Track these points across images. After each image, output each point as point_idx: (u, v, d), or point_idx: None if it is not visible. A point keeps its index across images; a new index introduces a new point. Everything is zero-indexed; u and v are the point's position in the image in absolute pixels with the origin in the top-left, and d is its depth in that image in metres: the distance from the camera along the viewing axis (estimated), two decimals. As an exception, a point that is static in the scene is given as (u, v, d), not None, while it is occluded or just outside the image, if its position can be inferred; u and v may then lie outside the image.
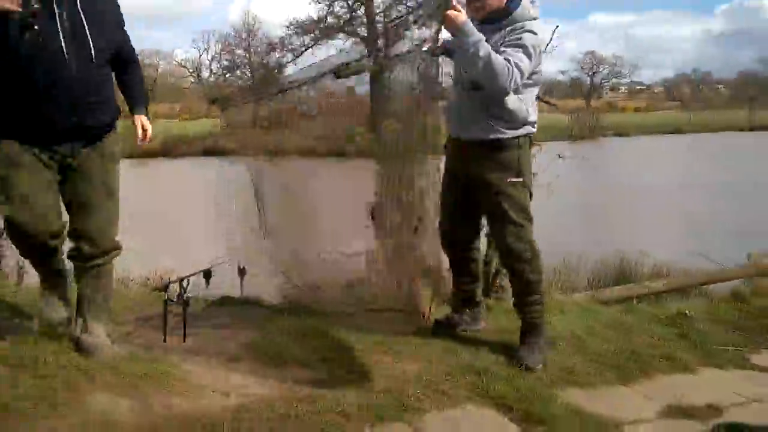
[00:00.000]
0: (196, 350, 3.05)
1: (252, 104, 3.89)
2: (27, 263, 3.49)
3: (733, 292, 4.20)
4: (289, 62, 33.59)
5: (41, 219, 2.63)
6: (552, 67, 62.27)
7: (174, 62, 55.51)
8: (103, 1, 2.72)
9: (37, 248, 2.72)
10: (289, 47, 33.31)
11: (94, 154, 2.75)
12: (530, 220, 3.08)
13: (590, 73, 64.35)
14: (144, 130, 2.97)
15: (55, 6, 2.51)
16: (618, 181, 16.53)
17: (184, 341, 3.14)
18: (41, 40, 2.46)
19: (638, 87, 77.21)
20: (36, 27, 2.42)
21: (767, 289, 4.08)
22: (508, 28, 2.90)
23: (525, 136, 3.03)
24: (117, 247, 2.92)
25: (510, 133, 2.98)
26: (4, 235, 3.38)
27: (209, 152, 30.33)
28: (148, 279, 5.71)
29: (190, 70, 55.20)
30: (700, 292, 4.42)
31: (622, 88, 74.73)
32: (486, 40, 2.78)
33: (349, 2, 32.87)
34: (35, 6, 2.39)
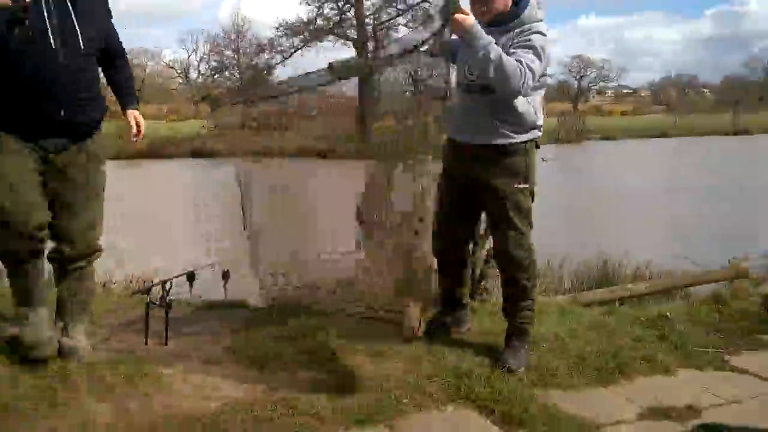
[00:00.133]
0: (177, 354, 3.04)
1: (241, 105, 3.85)
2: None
3: (713, 294, 4.24)
4: (278, 63, 33.66)
5: (28, 209, 2.57)
6: (540, 71, 62.15)
7: (162, 63, 55.22)
8: None
9: (21, 243, 2.61)
10: (278, 49, 33.32)
11: (80, 154, 2.72)
12: (531, 226, 3.07)
13: (578, 77, 64.79)
14: (138, 126, 2.93)
15: (43, 1, 2.49)
16: (603, 184, 16.67)
17: (166, 344, 3.14)
18: (31, 34, 2.44)
19: (625, 91, 77.84)
20: (27, 21, 2.39)
21: (747, 291, 4.13)
22: (516, 30, 2.87)
23: (532, 140, 3.01)
24: (99, 250, 2.90)
25: (518, 138, 2.95)
26: None
27: (197, 154, 30.25)
28: (131, 281, 5.68)
29: (179, 71, 55.01)
30: (681, 295, 4.46)
31: (609, 92, 75.28)
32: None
33: (339, 4, 32.94)
34: (26, 0, 2.37)
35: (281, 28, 32.56)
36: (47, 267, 2.86)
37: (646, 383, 3.05)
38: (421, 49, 3.01)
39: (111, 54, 2.88)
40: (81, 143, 2.72)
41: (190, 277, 3.58)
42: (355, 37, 31.87)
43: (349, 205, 3.61)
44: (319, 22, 32.73)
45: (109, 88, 3.05)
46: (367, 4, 32.24)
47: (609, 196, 14.18)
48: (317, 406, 2.50)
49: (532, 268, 3.10)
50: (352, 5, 32.16)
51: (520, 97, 2.88)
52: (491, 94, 2.86)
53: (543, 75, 2.91)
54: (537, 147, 3.06)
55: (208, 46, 46.06)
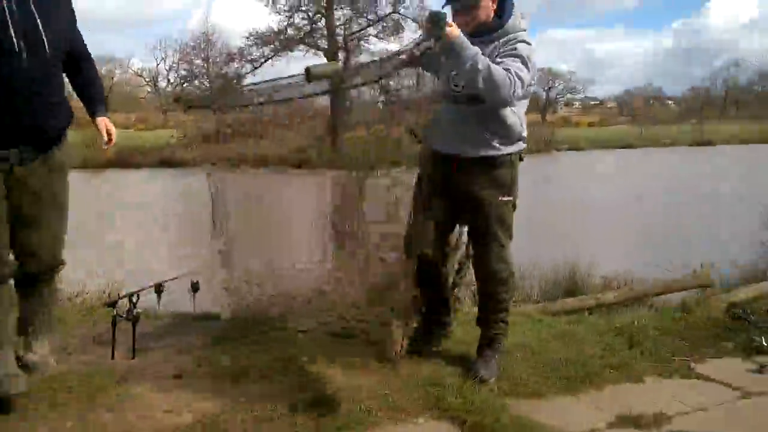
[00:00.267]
0: (145, 367, 2.99)
1: (212, 112, 3.74)
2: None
3: (680, 303, 4.32)
4: (248, 73, 33.37)
5: None
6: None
7: (130, 71, 54.58)
8: None
9: None
10: (248, 58, 33.08)
11: (45, 164, 2.62)
12: (511, 238, 3.07)
13: (546, 88, 65.72)
14: (109, 134, 2.81)
15: (4, 1, 2.39)
16: (571, 194, 16.90)
17: (133, 358, 3.08)
18: None
19: (592, 102, 79.21)
20: None
21: (712, 299, 4.22)
22: (501, 40, 2.85)
23: (517, 152, 3.00)
24: (63, 263, 2.83)
25: (506, 150, 2.94)
26: None
27: (166, 163, 29.96)
28: (100, 294, 5.56)
29: (147, 80, 54.41)
30: (648, 303, 4.53)
31: (577, 103, 76.53)
32: None
33: (310, 14, 32.89)
34: None
35: (251, 38, 32.40)
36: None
37: (615, 391, 3.08)
38: (400, 56, 2.90)
39: (76, 58, 2.77)
40: (45, 153, 2.62)
41: (158, 289, 3.52)
42: (326, 47, 31.87)
43: (321, 215, 3.60)
44: (290, 31, 32.62)
45: (74, 95, 2.96)
46: (338, 14, 32.32)
47: (577, 206, 14.39)
48: (295, 420, 2.49)
49: (510, 281, 3.11)
50: (323, 15, 32.16)
51: (508, 108, 2.86)
52: (479, 104, 2.82)
53: (529, 85, 2.88)
54: (521, 159, 3.06)
55: (178, 54, 45.68)
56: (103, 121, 2.82)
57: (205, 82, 38.22)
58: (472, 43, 2.70)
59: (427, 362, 3.12)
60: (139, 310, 3.16)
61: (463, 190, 2.98)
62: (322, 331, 3.45)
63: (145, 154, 31.07)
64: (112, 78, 53.72)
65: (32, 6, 2.47)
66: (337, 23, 32.34)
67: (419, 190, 3.14)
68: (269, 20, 40.20)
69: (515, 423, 2.65)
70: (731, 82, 66.60)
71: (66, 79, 2.81)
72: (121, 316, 3.11)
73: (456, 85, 2.91)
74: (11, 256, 2.66)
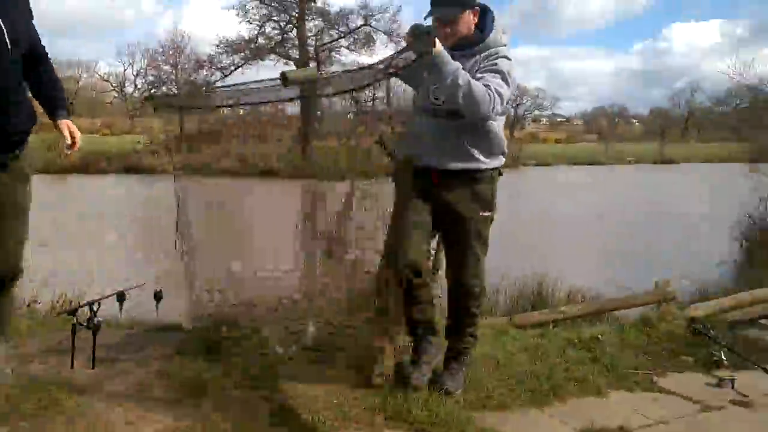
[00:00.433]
0: (105, 378, 2.91)
1: (182, 113, 3.63)
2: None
3: (642, 317, 4.39)
4: (218, 80, 33.15)
5: None
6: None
7: (96, 75, 53.66)
8: None
9: None
10: (218, 65, 32.87)
11: (6, 169, 2.53)
12: (486, 253, 3.03)
13: (514, 105, 66.64)
14: (73, 137, 2.64)
15: None
16: (538, 209, 17.14)
17: (93, 368, 3.00)
18: None
19: (559, 119, 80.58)
20: None
21: (672, 314, 4.29)
22: (482, 55, 2.83)
23: (497, 168, 2.98)
24: (22, 271, 2.75)
25: (488, 164, 2.92)
26: None
27: (131, 169, 29.53)
28: (58, 301, 5.41)
29: (114, 85, 53.57)
30: (612, 318, 4.60)
31: (544, 120, 77.74)
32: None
33: (281, 24, 32.87)
34: None
35: (221, 45, 32.24)
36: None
37: (579, 405, 3.11)
38: (380, 68, 2.93)
39: (35, 57, 2.64)
40: (6, 157, 2.53)
41: (120, 297, 3.44)
42: (297, 57, 31.86)
43: (287, 223, 3.56)
44: (261, 40, 32.59)
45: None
46: (309, 25, 32.42)
47: (544, 221, 14.59)
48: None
49: (482, 296, 3.11)
50: (294, 26, 32.19)
51: (492, 122, 2.85)
52: (459, 119, 2.79)
53: (508, 101, 2.87)
54: (500, 174, 3.04)
55: (146, 60, 45.14)
56: (65, 124, 2.65)
57: (173, 89, 37.82)
58: (453, 57, 2.68)
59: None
60: (100, 319, 3.08)
61: (443, 204, 2.93)
62: (287, 341, 3.41)
63: (111, 159, 30.57)
64: (78, 82, 52.79)
65: None
66: (309, 34, 32.46)
67: (400, 203, 3.03)
68: (240, 29, 39.98)
69: (480, 436, 2.65)
70: (692, 104, 68.53)
71: None
72: (82, 325, 3.02)
73: (436, 99, 2.88)
74: None
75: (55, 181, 21.73)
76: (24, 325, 3.61)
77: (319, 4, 32.28)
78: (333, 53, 33.31)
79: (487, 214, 2.97)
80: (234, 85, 2.86)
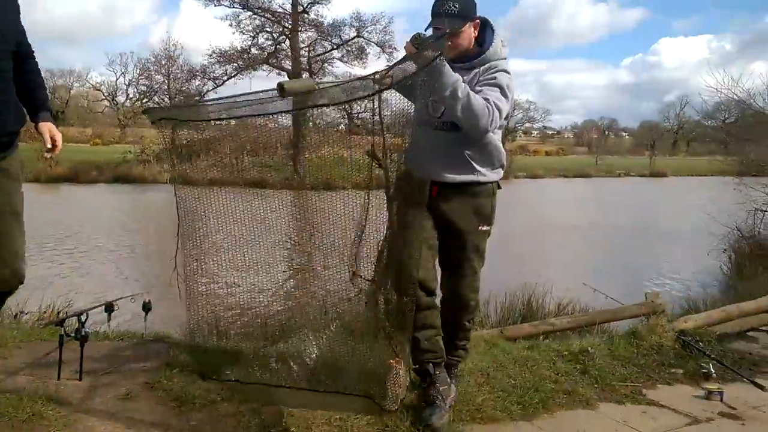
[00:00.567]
0: (92, 390, 2.88)
1: (182, 125, 3.57)
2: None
3: (631, 329, 4.41)
4: (210, 90, 33.17)
5: None
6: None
7: (88, 84, 53.60)
8: None
9: None
10: (211, 75, 32.88)
11: (1, 175, 2.47)
12: (482, 267, 2.99)
13: (504, 117, 66.84)
14: (53, 141, 2.55)
15: None
16: (529, 221, 17.20)
17: (80, 380, 2.97)
18: None
19: (549, 132, 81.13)
20: None
21: (662, 327, 4.31)
22: (482, 68, 2.80)
23: (497, 181, 2.95)
24: (24, 276, 2.62)
25: (487, 176, 2.87)
26: None
27: (122, 179, 29.43)
28: (46, 312, 5.37)
29: (105, 94, 53.49)
30: (601, 330, 4.62)
31: (535, 132, 78.24)
32: None
33: (274, 35, 32.95)
34: None
35: (214, 55, 32.26)
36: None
37: (568, 417, 3.11)
38: (376, 77, 2.89)
39: (20, 56, 2.55)
40: None
41: (109, 308, 3.42)
42: (290, 68, 31.92)
43: (283, 234, 3.55)
44: (254, 51, 32.66)
45: None
46: (302, 36, 32.50)
47: (534, 233, 14.63)
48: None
49: (476, 310, 3.08)
50: (287, 36, 32.28)
51: (491, 135, 2.81)
52: (458, 131, 2.75)
53: (506, 115, 2.82)
54: (499, 187, 3.00)
55: (138, 69, 45.14)
56: (46, 127, 2.56)
57: (165, 98, 37.82)
58: (454, 70, 2.64)
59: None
60: (88, 330, 3.06)
61: (442, 217, 2.87)
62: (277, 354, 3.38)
63: (101, 169, 30.47)
64: (70, 91, 52.76)
65: None
66: (302, 45, 32.52)
67: (404, 218, 2.90)
68: (233, 39, 40.02)
69: (470, 448, 2.64)
70: (682, 118, 69.23)
71: None
72: (69, 336, 3.00)
73: (435, 112, 2.84)
74: None
75: (45, 190, 21.62)
76: (11, 335, 3.57)
77: (312, 15, 32.43)
78: (326, 64, 33.44)
79: (485, 228, 2.93)
80: (229, 97, 2.84)
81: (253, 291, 3.55)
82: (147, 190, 26.16)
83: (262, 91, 2.70)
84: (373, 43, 32.71)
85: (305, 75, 31.55)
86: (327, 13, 42.90)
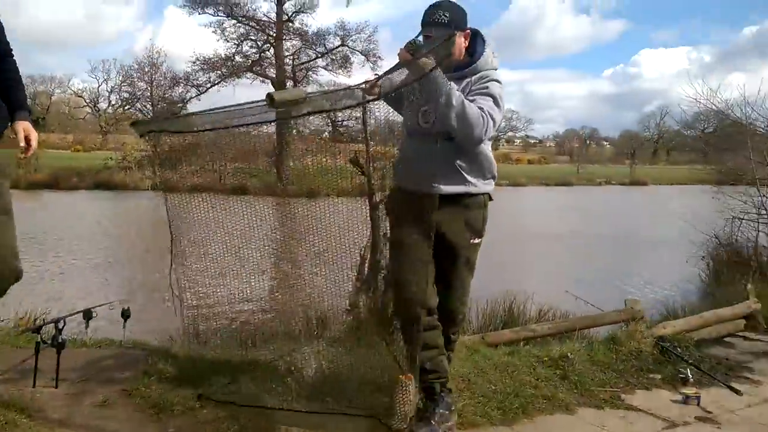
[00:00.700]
0: (68, 397, 2.86)
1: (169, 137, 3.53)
2: None
3: (610, 335, 4.44)
4: (193, 98, 33.03)
5: None
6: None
7: (70, 91, 53.10)
8: None
9: None
10: (194, 83, 32.72)
11: None
12: (472, 279, 2.94)
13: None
14: (28, 140, 2.49)
15: None
16: (511, 229, 17.28)
17: (56, 387, 2.94)
18: None
19: (532, 141, 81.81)
20: None
21: (641, 332, 4.35)
22: (473, 77, 2.75)
23: (488, 193, 2.90)
24: (21, 271, 2.54)
25: (479, 187, 2.82)
26: None
27: (103, 185, 29.14)
28: (23, 319, 5.29)
29: (87, 101, 53.00)
30: (581, 336, 4.65)
31: (517, 141, 78.85)
32: None
33: (259, 43, 32.90)
34: None
35: (198, 62, 32.11)
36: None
37: (548, 422, 3.13)
38: (361, 86, 2.75)
39: (1, 53, 2.53)
40: None
41: (87, 315, 3.39)
42: (274, 76, 31.87)
43: (266, 242, 3.54)
44: (238, 59, 32.56)
45: None
46: (286, 44, 32.48)
47: (516, 241, 14.71)
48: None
49: (462, 322, 3.05)
50: (271, 45, 32.25)
51: (483, 145, 2.77)
52: (449, 141, 2.70)
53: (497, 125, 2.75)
54: (490, 199, 2.95)
55: (120, 76, 44.80)
56: (21, 126, 2.50)
57: (148, 105, 37.59)
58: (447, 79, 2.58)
59: (357, 389, 3.06)
60: (65, 337, 3.03)
61: (435, 231, 2.76)
62: (256, 359, 3.36)
63: (82, 175, 30.15)
64: (51, 97, 52.23)
65: None
66: (286, 53, 32.49)
67: (399, 234, 2.89)
68: (217, 46, 39.82)
69: (450, 454, 2.64)
70: (662, 128, 70.20)
71: None
72: (46, 343, 2.97)
73: (426, 122, 2.78)
74: None
75: (25, 196, 21.34)
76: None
77: (296, 24, 32.44)
78: (310, 73, 33.44)
79: (477, 241, 2.88)
80: (218, 108, 2.80)
81: (244, 299, 3.54)
82: (128, 196, 25.94)
83: (250, 102, 2.68)
84: (357, 52, 32.80)
85: (290, 83, 31.53)
86: (312, 22, 42.84)
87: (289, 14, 31.98)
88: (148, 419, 2.69)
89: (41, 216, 17.22)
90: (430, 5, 2.77)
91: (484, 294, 5.94)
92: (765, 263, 8.20)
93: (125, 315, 3.62)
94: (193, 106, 33.30)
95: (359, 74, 33.19)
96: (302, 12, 32.10)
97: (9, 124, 2.53)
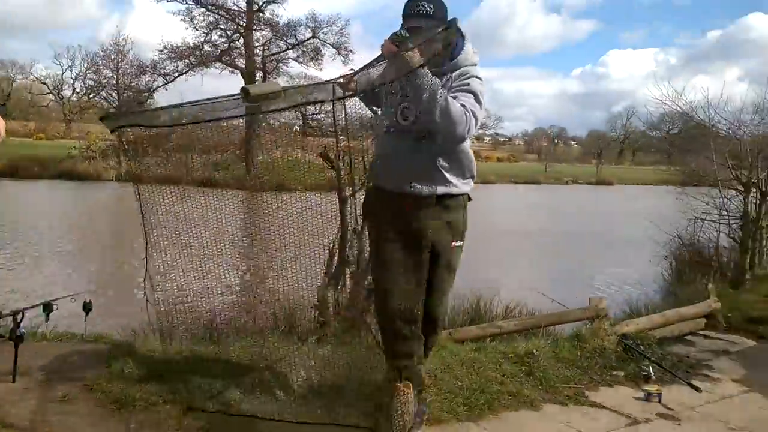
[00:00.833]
0: (27, 392, 2.78)
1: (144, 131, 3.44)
2: None
3: (575, 332, 4.50)
4: (160, 86, 32.44)
5: None
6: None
7: (32, 77, 51.65)
8: None
9: None
10: (161, 71, 32.12)
11: None
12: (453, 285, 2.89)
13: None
14: None
15: None
16: (479, 226, 17.47)
17: (14, 382, 2.85)
18: None
19: (501, 139, 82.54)
20: None
21: (604, 330, 4.41)
22: (453, 73, 2.66)
23: (467, 193, 2.84)
24: None
25: (459, 187, 2.75)
26: None
27: (65, 175, 28.46)
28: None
29: (50, 88, 51.66)
30: (546, 333, 4.70)
31: (487, 139, 79.42)
32: None
33: (228, 33, 32.45)
34: None
35: (165, 51, 31.51)
36: None
37: (513, 418, 3.16)
38: (338, 80, 2.70)
39: None
40: None
41: (47, 307, 3.29)
42: (243, 66, 31.48)
43: (234, 235, 3.49)
44: (207, 48, 32.04)
45: None
46: (257, 35, 32.09)
47: (484, 238, 14.83)
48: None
49: (441, 326, 3.03)
50: (241, 35, 31.83)
51: (464, 144, 2.71)
52: (428, 140, 2.63)
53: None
54: (469, 199, 2.89)
55: (86, 63, 43.79)
56: None
57: (114, 94, 36.82)
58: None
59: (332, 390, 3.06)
60: (23, 330, 2.94)
61: (414, 232, 2.70)
62: (223, 355, 3.32)
63: (44, 164, 29.39)
64: (12, 82, 50.82)
65: None
66: (256, 44, 32.09)
67: (377, 238, 2.84)
68: (186, 35, 39.19)
69: (416, 450, 2.64)
70: (628, 128, 71.46)
71: None
72: (3, 336, 2.89)
73: (406, 119, 2.69)
74: None
75: (-17, 185, 20.74)
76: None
77: (267, 14, 32.06)
78: (281, 64, 33.10)
79: (458, 244, 2.81)
80: (190, 102, 2.74)
81: (210, 292, 3.48)
82: (92, 186, 25.42)
83: (224, 96, 2.63)
84: (328, 45, 32.59)
85: (260, 74, 31.17)
86: (282, 13, 42.55)
87: (260, 4, 31.60)
88: (109, 414, 2.64)
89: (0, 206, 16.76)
90: None
91: (452, 290, 5.97)
92: (725, 264, 8.40)
93: (87, 308, 3.53)
94: (159, 95, 32.78)
95: (330, 67, 33.01)
96: (273, 2, 31.74)
97: None
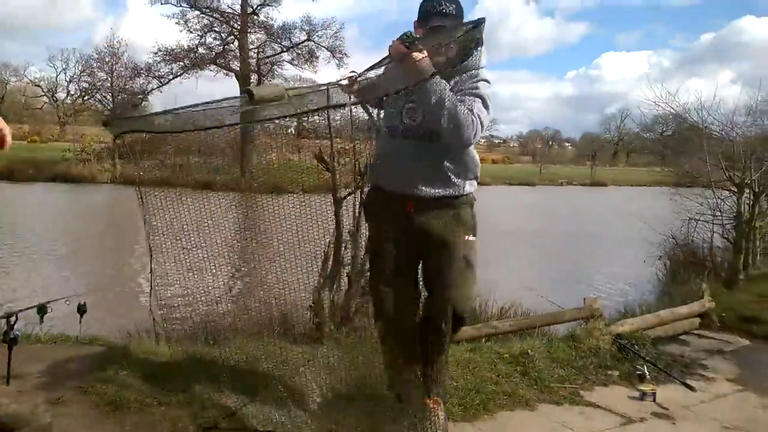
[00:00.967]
0: (21, 395, 2.77)
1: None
2: None
3: (570, 332, 4.51)
4: (155, 89, 32.42)
5: None
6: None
7: (26, 79, 51.52)
8: None
9: None
10: (156, 74, 32.08)
11: None
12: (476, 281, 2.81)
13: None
14: (2, 133, 2.36)
15: None
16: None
17: (8, 384, 2.84)
18: None
19: (496, 141, 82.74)
20: None
21: (599, 330, 4.43)
22: (463, 75, 2.61)
23: (471, 193, 2.79)
24: None
25: (463, 188, 2.72)
26: None
27: (60, 178, 28.39)
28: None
29: (45, 90, 51.52)
30: (541, 333, 4.71)
31: (482, 141, 79.49)
32: None
33: (223, 35, 32.44)
34: None
35: (160, 53, 31.48)
36: None
37: (508, 418, 3.16)
38: (341, 83, 2.62)
39: None
40: None
41: (41, 310, 3.29)
42: (238, 69, 31.46)
43: (231, 238, 3.49)
44: (201, 50, 32.03)
45: None
46: (251, 38, 32.10)
47: (481, 238, 14.90)
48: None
49: (468, 322, 3.02)
50: (235, 37, 31.82)
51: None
52: (432, 142, 2.59)
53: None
54: (474, 199, 2.84)
55: (80, 66, 43.70)
56: None
57: (108, 96, 36.76)
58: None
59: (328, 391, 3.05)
60: (17, 333, 2.94)
61: (422, 232, 2.64)
62: (220, 359, 3.32)
63: (39, 167, 29.31)
64: (6, 85, 50.71)
65: None
66: (251, 47, 32.11)
67: (376, 241, 2.81)
68: (180, 38, 39.12)
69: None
70: (622, 130, 71.75)
71: None
72: (-4, 338, 2.88)
73: (411, 120, 2.65)
74: None
75: (-24, 188, 20.65)
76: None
77: (261, 17, 32.07)
78: (275, 67, 33.12)
79: (471, 238, 2.73)
80: (192, 106, 2.72)
81: (209, 294, 3.47)
82: (87, 189, 25.36)
83: (227, 99, 2.60)
84: (323, 48, 32.62)
85: (254, 77, 31.17)
86: (277, 16, 42.47)
87: (254, 7, 31.61)
88: (104, 416, 2.63)
89: (-5, 208, 16.70)
90: None
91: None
92: (719, 264, 8.44)
93: (81, 310, 3.53)
94: (154, 98, 32.76)
95: (325, 70, 33.02)
96: (267, 5, 31.77)
97: None
